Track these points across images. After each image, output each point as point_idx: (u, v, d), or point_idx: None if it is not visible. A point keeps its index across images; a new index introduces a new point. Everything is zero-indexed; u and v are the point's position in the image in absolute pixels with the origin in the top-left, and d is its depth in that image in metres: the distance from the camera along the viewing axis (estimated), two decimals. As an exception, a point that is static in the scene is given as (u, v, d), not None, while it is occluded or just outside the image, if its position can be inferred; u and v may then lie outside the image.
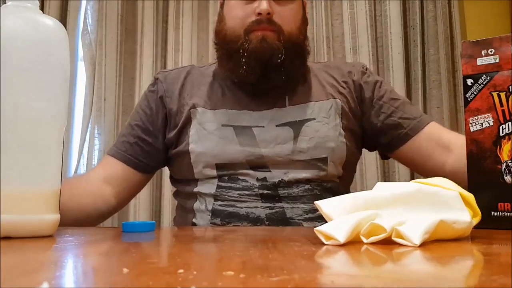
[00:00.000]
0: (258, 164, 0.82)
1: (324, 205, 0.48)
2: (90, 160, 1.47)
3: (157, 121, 0.90)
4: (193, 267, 0.29)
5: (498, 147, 0.59)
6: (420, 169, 0.93)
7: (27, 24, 0.49)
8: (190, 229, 0.72)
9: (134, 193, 0.94)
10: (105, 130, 1.48)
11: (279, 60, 0.83)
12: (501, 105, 0.60)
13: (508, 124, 0.59)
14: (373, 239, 0.41)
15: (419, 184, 0.48)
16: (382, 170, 1.49)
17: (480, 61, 0.62)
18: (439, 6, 1.56)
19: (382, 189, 0.49)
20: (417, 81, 1.52)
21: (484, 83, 0.61)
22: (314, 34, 1.56)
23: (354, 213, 0.44)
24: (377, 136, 0.91)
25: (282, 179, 0.81)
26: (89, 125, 1.48)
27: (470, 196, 0.48)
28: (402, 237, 0.41)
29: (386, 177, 1.50)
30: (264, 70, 0.83)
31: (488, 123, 0.60)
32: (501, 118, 0.60)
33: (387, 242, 0.41)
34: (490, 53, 0.61)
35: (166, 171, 1.00)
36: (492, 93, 0.60)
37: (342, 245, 0.40)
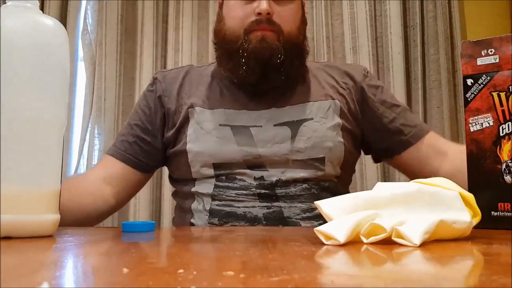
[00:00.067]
0: (256, 163, 0.82)
1: (324, 205, 0.48)
2: (90, 160, 1.47)
3: (155, 121, 0.90)
4: (193, 267, 0.29)
5: (498, 147, 0.59)
6: (415, 175, 0.93)
7: (27, 24, 0.49)
8: (190, 229, 0.72)
9: (133, 192, 0.94)
10: (105, 130, 1.48)
11: (278, 60, 0.83)
12: (501, 105, 0.60)
13: (508, 124, 0.59)
14: (373, 239, 0.41)
15: (419, 184, 0.48)
16: (382, 170, 1.49)
17: (480, 61, 0.62)
18: (439, 6, 1.56)
19: (382, 189, 0.49)
20: (417, 81, 1.52)
21: (484, 83, 0.61)
22: (314, 34, 1.56)
23: (354, 213, 0.44)
24: (376, 140, 0.92)
25: (279, 179, 0.81)
26: (89, 125, 1.48)
27: (470, 196, 0.48)
28: (402, 237, 0.40)
29: (386, 177, 1.50)
30: (264, 70, 0.83)
31: (488, 123, 0.60)
32: (501, 118, 0.60)
33: (387, 242, 0.41)
34: (490, 53, 0.61)
35: (166, 171, 1.01)
36: (492, 93, 0.60)
37: (342, 245, 0.40)
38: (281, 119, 0.85)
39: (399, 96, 1.49)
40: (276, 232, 0.58)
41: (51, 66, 0.50)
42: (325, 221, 0.47)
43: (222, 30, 0.88)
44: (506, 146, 0.59)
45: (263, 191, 0.81)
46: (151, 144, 0.90)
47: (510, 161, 0.58)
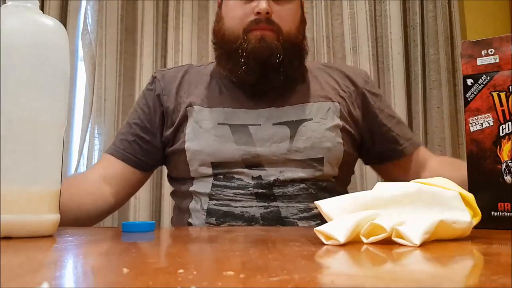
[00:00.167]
0: (254, 163, 0.82)
1: (324, 205, 0.48)
2: (90, 160, 1.47)
3: (155, 119, 0.90)
4: (193, 267, 0.29)
5: (498, 147, 0.59)
6: None
7: (27, 24, 0.49)
8: (190, 229, 0.72)
9: (133, 191, 0.94)
10: (105, 130, 1.48)
11: (277, 60, 0.83)
12: (501, 105, 0.60)
13: (508, 124, 0.59)
14: (373, 239, 0.41)
15: (419, 184, 0.48)
16: (382, 170, 1.49)
17: (480, 61, 0.62)
18: (439, 6, 1.56)
19: (382, 189, 0.49)
20: (417, 81, 1.52)
21: (484, 83, 0.61)
22: (314, 34, 1.56)
23: (354, 213, 0.44)
24: (372, 144, 0.94)
25: (277, 178, 0.81)
26: (89, 125, 1.48)
27: (470, 196, 0.48)
28: (402, 237, 0.41)
29: (386, 177, 1.49)
30: (263, 70, 0.83)
31: (488, 123, 0.60)
32: (501, 118, 0.60)
33: (387, 242, 0.41)
34: (490, 53, 0.61)
35: (166, 171, 1.01)
36: (492, 93, 0.60)
37: (342, 245, 0.40)
38: (281, 118, 0.85)
39: (399, 96, 1.49)
40: (275, 232, 0.58)
41: (51, 66, 0.50)
42: (323, 221, 0.47)
43: (221, 30, 0.87)
44: (506, 146, 0.59)
45: (260, 190, 0.81)
46: (150, 143, 0.90)
47: (510, 161, 0.58)
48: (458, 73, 1.55)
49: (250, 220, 0.79)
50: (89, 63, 1.51)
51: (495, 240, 0.47)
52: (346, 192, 0.91)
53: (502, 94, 0.60)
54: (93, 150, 1.48)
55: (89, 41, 1.53)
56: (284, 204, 0.80)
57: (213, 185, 0.82)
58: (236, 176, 0.82)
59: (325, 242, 0.41)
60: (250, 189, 0.81)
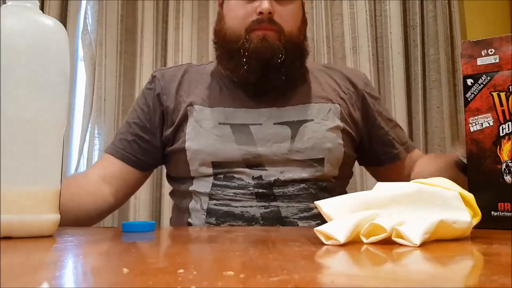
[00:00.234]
0: (255, 162, 0.82)
1: (324, 205, 0.48)
2: (90, 160, 1.47)
3: (154, 119, 0.90)
4: (193, 267, 0.29)
5: (498, 147, 0.59)
6: None
7: (27, 24, 0.49)
8: (190, 229, 0.72)
9: (132, 191, 0.94)
10: (105, 130, 1.48)
11: (279, 60, 0.83)
12: (501, 105, 0.60)
13: (508, 124, 0.59)
14: (373, 239, 0.41)
15: (419, 184, 0.48)
16: (382, 170, 1.49)
17: (480, 61, 0.62)
18: (439, 6, 1.56)
19: (382, 189, 0.49)
20: (417, 81, 1.52)
21: (484, 83, 0.61)
22: (314, 34, 1.56)
23: (354, 213, 0.44)
24: (368, 146, 0.95)
25: (278, 178, 0.81)
26: (89, 125, 1.48)
27: (470, 196, 0.49)
28: (402, 237, 0.40)
29: (386, 177, 1.49)
30: (264, 70, 0.83)
31: (488, 123, 0.60)
32: (501, 118, 0.60)
33: (387, 242, 0.41)
34: (490, 53, 0.61)
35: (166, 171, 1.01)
36: (492, 93, 0.60)
37: (342, 245, 0.40)
38: (282, 118, 0.85)
39: (399, 96, 1.49)
40: (275, 232, 0.58)
41: (51, 66, 0.50)
42: (323, 221, 0.47)
43: (222, 30, 0.87)
44: (506, 146, 0.59)
45: (260, 190, 0.81)
46: (150, 143, 0.90)
47: (510, 161, 0.58)
48: (458, 73, 1.55)
49: (250, 220, 0.79)
50: (89, 63, 1.51)
51: (495, 240, 0.47)
52: (346, 192, 0.91)
53: (502, 94, 0.60)
54: (93, 150, 1.48)
55: (89, 41, 1.53)
56: (284, 204, 0.80)
57: (213, 185, 0.82)
58: (237, 176, 0.82)
59: (325, 242, 0.41)
60: (250, 189, 0.81)
